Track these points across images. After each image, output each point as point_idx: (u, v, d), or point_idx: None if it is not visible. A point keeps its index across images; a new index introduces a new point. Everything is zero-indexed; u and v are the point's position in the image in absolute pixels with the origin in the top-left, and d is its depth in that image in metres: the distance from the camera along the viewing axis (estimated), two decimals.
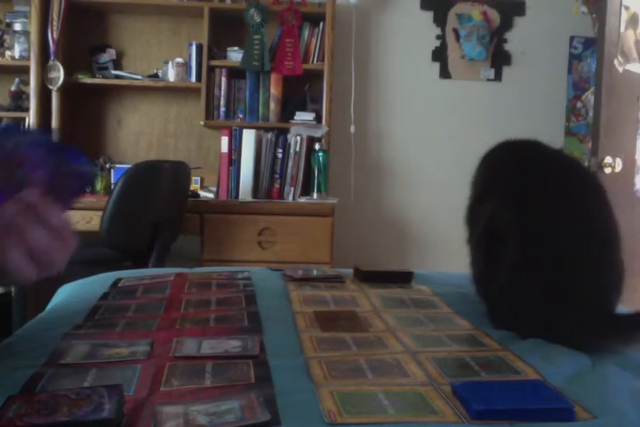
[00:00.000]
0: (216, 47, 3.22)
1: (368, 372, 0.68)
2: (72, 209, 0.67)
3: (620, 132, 2.52)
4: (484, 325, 0.89)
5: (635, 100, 2.54)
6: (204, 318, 0.87)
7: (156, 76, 3.23)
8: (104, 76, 3.19)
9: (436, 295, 1.04)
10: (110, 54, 3.24)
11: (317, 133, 3.08)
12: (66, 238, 0.58)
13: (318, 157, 3.05)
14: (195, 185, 3.24)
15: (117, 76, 3.21)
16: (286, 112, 3.19)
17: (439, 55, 3.47)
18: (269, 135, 3.07)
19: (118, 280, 1.12)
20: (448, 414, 0.58)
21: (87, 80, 3.15)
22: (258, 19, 3.11)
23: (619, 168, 2.40)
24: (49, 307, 1.10)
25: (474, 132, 3.47)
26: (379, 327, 0.85)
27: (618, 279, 0.88)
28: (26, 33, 3.08)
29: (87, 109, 3.31)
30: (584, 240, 0.85)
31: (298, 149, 3.06)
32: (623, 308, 0.95)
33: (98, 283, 1.13)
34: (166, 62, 3.21)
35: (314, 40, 3.20)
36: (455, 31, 3.46)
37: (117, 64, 3.28)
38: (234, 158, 3.06)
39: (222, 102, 3.19)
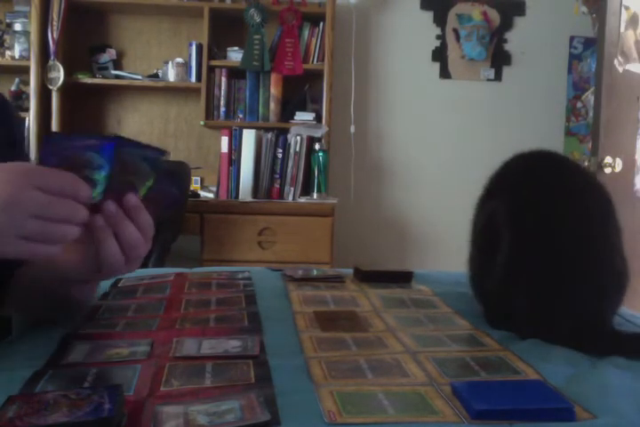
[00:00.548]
0: (216, 47, 3.22)
1: (368, 372, 0.68)
2: None
3: (620, 132, 2.52)
4: (484, 324, 0.89)
5: (635, 100, 2.54)
6: (203, 318, 0.87)
7: (156, 76, 3.23)
8: (104, 76, 3.19)
9: (436, 295, 1.04)
10: (110, 54, 3.25)
11: (317, 133, 3.08)
12: (148, 240, 0.67)
13: (318, 157, 3.05)
14: (195, 185, 3.24)
15: (117, 76, 3.21)
16: (286, 112, 3.19)
17: (439, 55, 3.47)
18: (269, 135, 3.07)
19: (118, 280, 1.12)
20: (448, 415, 0.58)
21: (87, 80, 3.15)
22: (258, 19, 3.11)
23: (619, 168, 2.40)
24: None
25: (474, 132, 3.47)
26: (379, 327, 0.85)
27: (618, 282, 0.87)
28: (26, 33, 3.08)
29: (87, 109, 3.31)
30: (580, 242, 0.85)
31: (298, 149, 3.07)
32: (625, 310, 0.95)
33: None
34: (166, 62, 3.21)
35: (314, 40, 3.20)
36: (455, 31, 3.46)
37: (117, 64, 3.28)
38: (234, 158, 3.06)
39: (222, 102, 3.19)
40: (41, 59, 3.05)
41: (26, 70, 3.05)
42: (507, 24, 3.49)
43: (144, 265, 2.58)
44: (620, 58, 2.47)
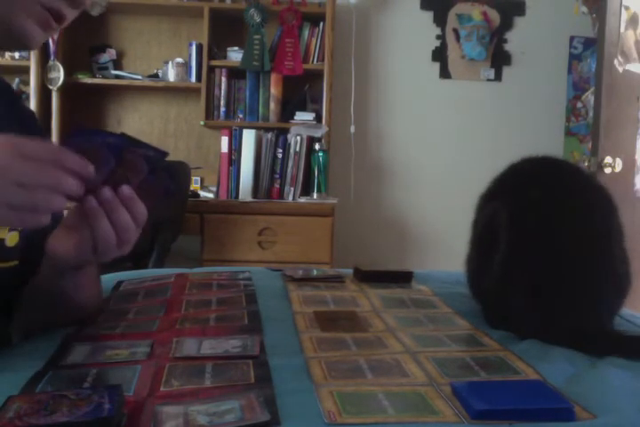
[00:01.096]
0: (216, 47, 3.22)
1: (368, 372, 0.68)
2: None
3: (620, 132, 2.52)
4: (484, 324, 0.89)
5: (635, 100, 2.54)
6: (204, 318, 0.87)
7: (156, 76, 3.23)
8: (104, 76, 3.19)
9: (436, 295, 1.04)
10: (110, 54, 3.24)
11: (317, 133, 3.08)
12: (139, 226, 0.71)
13: (318, 157, 3.05)
14: (195, 185, 3.24)
15: (117, 76, 3.21)
16: (286, 112, 3.19)
17: (439, 55, 3.47)
18: (269, 135, 3.07)
19: (119, 284, 1.12)
20: (448, 415, 0.58)
21: (87, 80, 3.15)
22: (258, 19, 3.11)
23: (619, 168, 2.40)
24: None
25: (474, 132, 3.47)
26: (378, 327, 0.85)
27: (619, 283, 0.87)
28: None
29: (87, 109, 3.31)
30: (580, 243, 0.85)
31: (298, 149, 3.07)
32: (626, 310, 0.95)
33: None
34: (166, 62, 3.21)
35: (314, 40, 3.20)
36: (455, 31, 3.46)
37: (117, 64, 3.28)
38: (234, 158, 3.06)
39: (222, 102, 3.19)
40: (41, 59, 3.05)
41: (26, 70, 3.05)
42: (507, 24, 3.49)
43: (144, 265, 2.57)
44: (619, 58, 2.47)
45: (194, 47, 3.17)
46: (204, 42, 3.14)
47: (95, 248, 0.70)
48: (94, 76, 3.18)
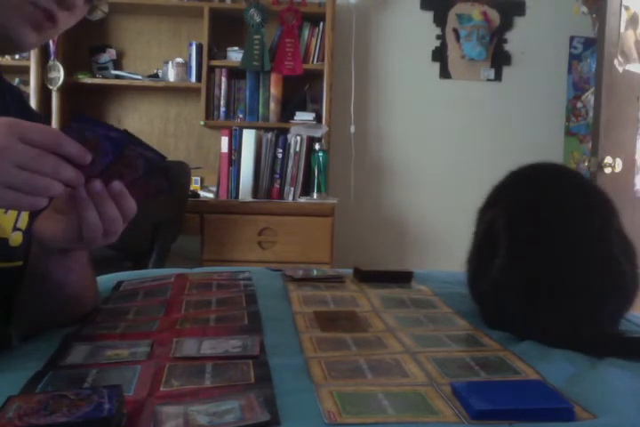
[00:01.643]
0: (216, 47, 3.22)
1: (368, 372, 0.68)
2: None
3: (620, 132, 2.52)
4: (484, 325, 0.89)
5: (635, 100, 2.54)
6: (204, 319, 0.87)
7: (156, 76, 3.23)
8: (104, 76, 3.19)
9: (436, 295, 1.04)
10: (110, 54, 3.24)
11: (317, 133, 3.08)
12: (126, 220, 0.72)
13: (318, 157, 3.05)
14: (195, 185, 3.24)
15: (117, 76, 3.21)
16: (286, 112, 3.19)
17: (439, 55, 3.47)
18: (269, 135, 3.07)
19: (119, 284, 1.12)
20: (448, 415, 0.58)
21: (87, 80, 3.15)
22: (258, 19, 3.11)
23: (619, 168, 2.40)
24: None
25: (474, 133, 3.47)
26: (378, 327, 0.85)
27: (622, 286, 0.87)
28: None
29: (87, 109, 3.31)
30: (580, 244, 0.85)
31: (298, 149, 3.07)
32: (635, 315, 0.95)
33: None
34: (166, 62, 3.21)
35: (314, 40, 3.20)
36: (455, 31, 3.46)
37: (117, 64, 3.28)
38: (234, 158, 3.06)
39: (222, 102, 3.19)
40: (41, 59, 3.05)
41: (26, 70, 3.05)
42: (507, 24, 3.49)
43: (144, 265, 2.57)
44: (619, 58, 2.47)
45: (194, 47, 3.17)
46: (204, 42, 3.14)
47: (81, 235, 0.71)
48: (94, 76, 3.18)
